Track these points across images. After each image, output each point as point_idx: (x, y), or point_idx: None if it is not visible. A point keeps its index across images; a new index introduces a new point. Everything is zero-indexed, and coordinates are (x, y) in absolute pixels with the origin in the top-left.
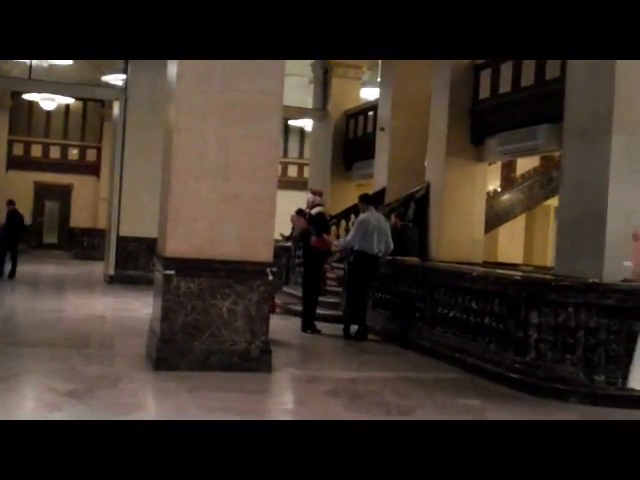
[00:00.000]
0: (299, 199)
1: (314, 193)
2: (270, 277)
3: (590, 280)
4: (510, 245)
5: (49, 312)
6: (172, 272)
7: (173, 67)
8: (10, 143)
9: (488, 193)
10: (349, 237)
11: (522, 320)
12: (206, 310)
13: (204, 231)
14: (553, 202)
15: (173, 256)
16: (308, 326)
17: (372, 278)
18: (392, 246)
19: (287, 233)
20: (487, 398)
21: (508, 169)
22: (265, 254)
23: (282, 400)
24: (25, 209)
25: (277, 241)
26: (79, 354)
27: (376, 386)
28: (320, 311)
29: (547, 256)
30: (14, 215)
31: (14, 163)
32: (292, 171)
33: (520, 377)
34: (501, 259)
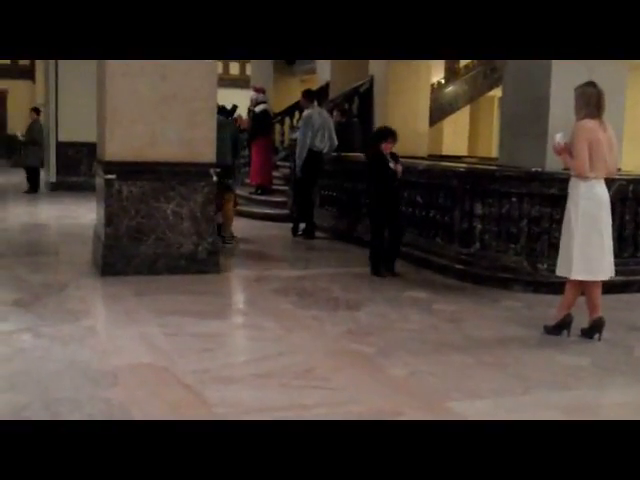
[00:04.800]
0: (242, 97)
1: (257, 90)
2: (214, 178)
3: (533, 169)
4: (455, 137)
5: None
6: (113, 176)
7: None
8: None
9: (432, 85)
10: (300, 138)
11: (466, 212)
12: (150, 214)
13: (144, 133)
14: (497, 93)
15: (113, 160)
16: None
17: (318, 175)
18: (336, 142)
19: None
20: (433, 290)
21: (451, 60)
22: (208, 154)
23: (231, 300)
24: None
25: None
26: (24, 263)
27: (324, 282)
28: (268, 210)
29: (492, 147)
30: None
31: None
32: (234, 69)
33: (465, 268)
34: (446, 152)
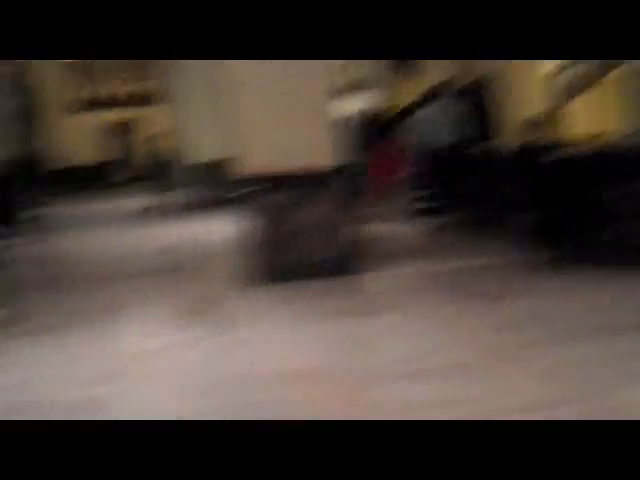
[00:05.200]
0: (361, 102)
1: (370, 94)
2: (343, 182)
3: None
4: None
5: (141, 244)
6: (249, 189)
7: None
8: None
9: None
10: (420, 137)
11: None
12: (291, 221)
13: (273, 145)
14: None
15: (247, 173)
16: None
17: (451, 170)
18: (461, 135)
19: None
20: (588, 277)
21: None
22: (335, 160)
23: (379, 299)
24: (92, 148)
25: None
26: (176, 279)
27: (472, 275)
28: (400, 207)
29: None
30: None
31: (77, 106)
32: (354, 72)
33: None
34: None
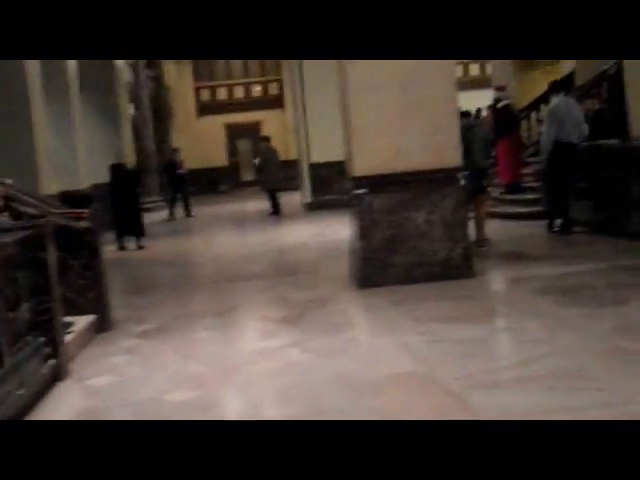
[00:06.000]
0: (483, 98)
1: (497, 89)
2: (462, 182)
3: None
4: None
5: (256, 245)
6: (363, 191)
7: None
8: (197, 90)
9: None
10: (545, 131)
11: None
12: (402, 224)
13: (388, 144)
14: None
15: (362, 175)
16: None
17: (571, 168)
18: (586, 132)
19: None
20: None
21: None
22: (453, 158)
23: (490, 303)
24: (219, 151)
25: None
26: (286, 282)
27: (587, 279)
28: (520, 209)
29: None
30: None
31: (204, 109)
32: (473, 70)
33: None
34: None
